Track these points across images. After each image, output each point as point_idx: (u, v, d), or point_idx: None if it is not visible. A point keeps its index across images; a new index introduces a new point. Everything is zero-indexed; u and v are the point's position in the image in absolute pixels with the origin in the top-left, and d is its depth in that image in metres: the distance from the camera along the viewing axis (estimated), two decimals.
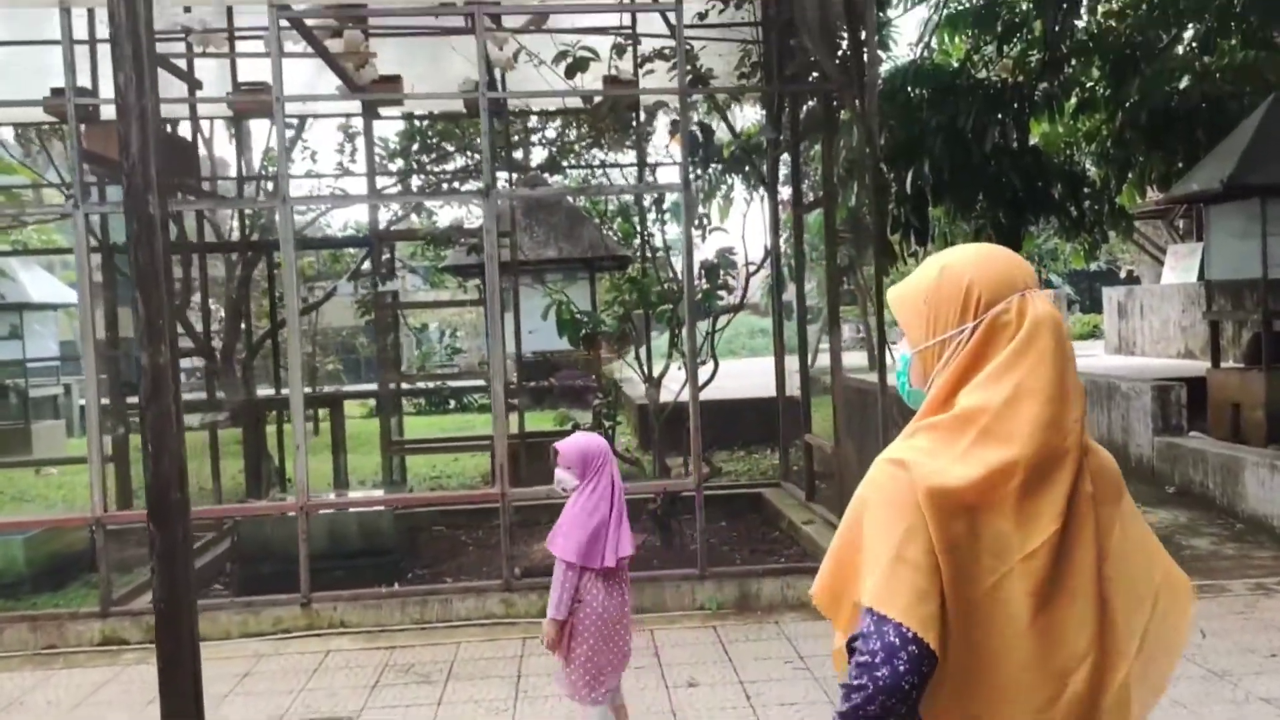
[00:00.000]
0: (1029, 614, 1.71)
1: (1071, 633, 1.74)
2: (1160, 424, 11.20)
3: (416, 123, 12.73)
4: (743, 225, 9.76)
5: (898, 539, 1.71)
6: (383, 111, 11.00)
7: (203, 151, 12.35)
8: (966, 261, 1.88)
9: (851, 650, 1.74)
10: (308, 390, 18.13)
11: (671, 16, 7.52)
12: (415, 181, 13.06)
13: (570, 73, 7.88)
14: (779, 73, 9.38)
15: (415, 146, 12.05)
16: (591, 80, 8.70)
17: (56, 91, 8.65)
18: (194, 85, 9.29)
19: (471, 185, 11.31)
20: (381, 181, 12.93)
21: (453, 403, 22.26)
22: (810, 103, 9.32)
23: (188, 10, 8.86)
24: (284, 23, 7.86)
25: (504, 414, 7.33)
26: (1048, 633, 1.73)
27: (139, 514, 9.32)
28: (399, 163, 13.07)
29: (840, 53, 8.09)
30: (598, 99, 8.23)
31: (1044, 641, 1.73)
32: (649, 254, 9.92)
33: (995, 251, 1.91)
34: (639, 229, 9.10)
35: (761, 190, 10.14)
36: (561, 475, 4.56)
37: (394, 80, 10.00)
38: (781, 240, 9.92)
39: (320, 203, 8.35)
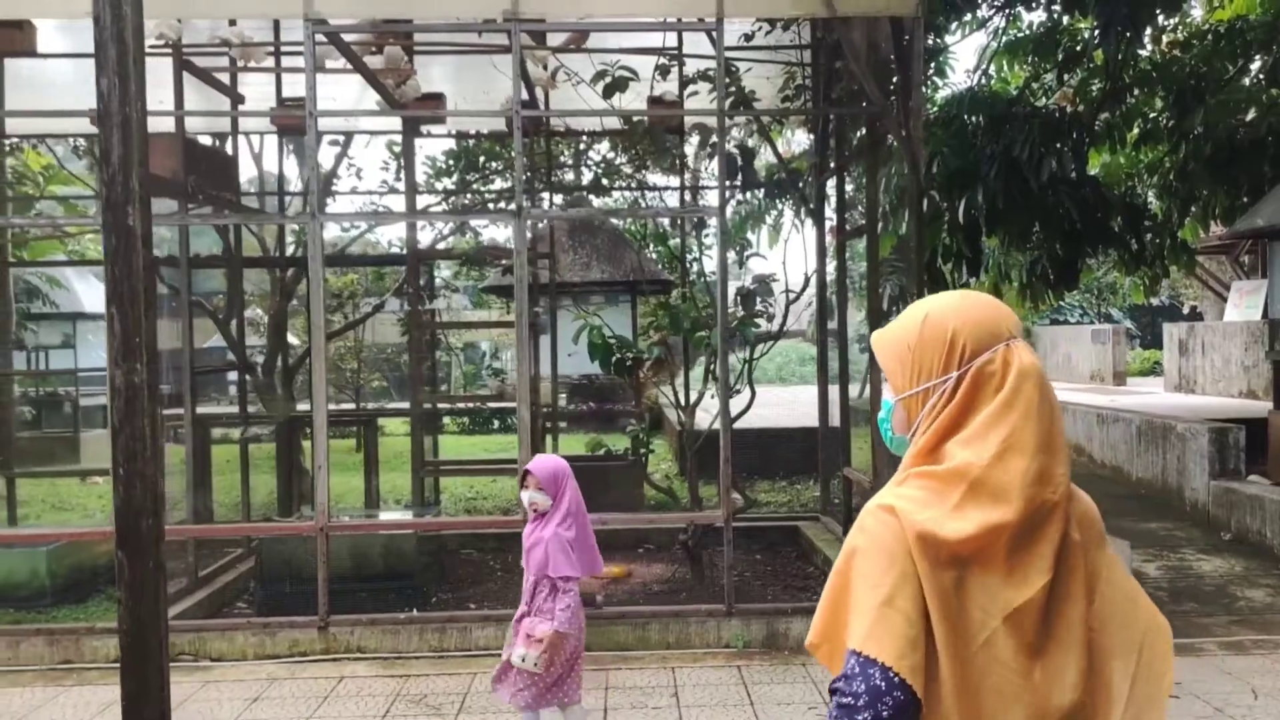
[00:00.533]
0: (1020, 665, 1.71)
1: (1063, 683, 1.73)
2: (1217, 467, 10.75)
3: (459, 142, 12.70)
4: (784, 251, 9.56)
5: (888, 586, 1.69)
6: (426, 130, 10.94)
7: (251, 167, 12.46)
8: (950, 309, 1.86)
9: (834, 692, 1.71)
10: (340, 407, 18.23)
11: (713, 35, 7.32)
12: (462, 201, 13.02)
13: (608, 92, 7.73)
14: (824, 96, 9.17)
15: (456, 165, 11.97)
16: (632, 101, 8.55)
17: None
18: (235, 99, 9.27)
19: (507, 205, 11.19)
20: (425, 201, 12.93)
21: (496, 423, 22.22)
22: (859, 133, 9.08)
23: (232, 24, 8.87)
24: (322, 38, 7.81)
25: (529, 439, 7.15)
26: (1040, 684, 1.72)
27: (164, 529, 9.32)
28: (441, 181, 13.03)
29: (889, 77, 7.87)
30: (635, 119, 8.05)
31: (1036, 693, 1.72)
32: (689, 278, 9.73)
33: (980, 299, 1.89)
34: (676, 253, 8.88)
35: (805, 216, 9.90)
36: (534, 496, 4.75)
37: (436, 98, 9.96)
38: (827, 267, 9.68)
39: (351, 219, 8.27)
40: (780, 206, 15.02)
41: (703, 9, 7.10)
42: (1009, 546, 1.71)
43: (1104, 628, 1.79)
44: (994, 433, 1.75)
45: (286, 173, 10.81)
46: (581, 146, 12.34)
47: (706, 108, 7.90)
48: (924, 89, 7.85)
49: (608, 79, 7.72)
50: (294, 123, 9.83)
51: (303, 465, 13.15)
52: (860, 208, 10.53)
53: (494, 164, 13.42)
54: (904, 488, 1.81)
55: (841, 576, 1.78)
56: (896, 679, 1.64)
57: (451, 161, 13.79)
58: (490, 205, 11.65)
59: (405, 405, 12.93)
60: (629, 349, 8.36)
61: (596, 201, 11.32)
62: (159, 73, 8.51)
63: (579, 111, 8.43)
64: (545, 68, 8.73)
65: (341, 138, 13.35)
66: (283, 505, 10.88)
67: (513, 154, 10.82)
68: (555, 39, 8.67)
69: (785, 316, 8.78)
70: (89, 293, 20.67)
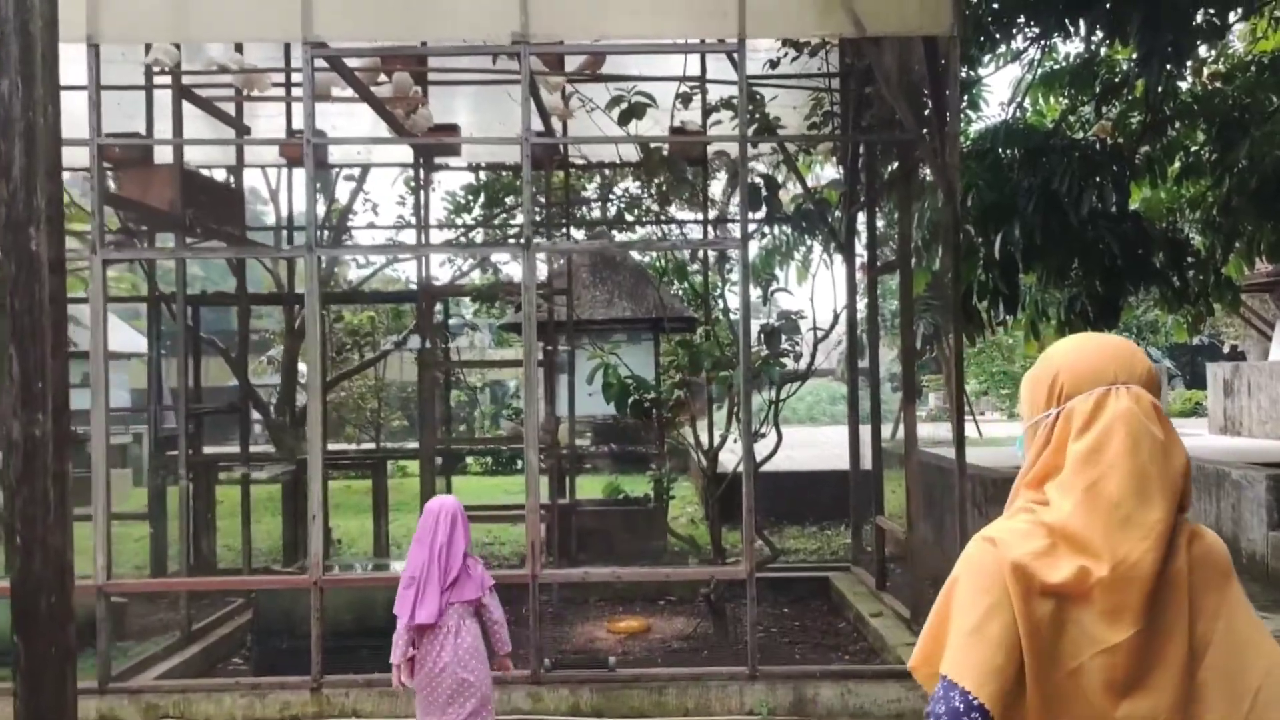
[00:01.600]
0: (1106, 701, 1.74)
1: None
2: (1276, 517, 10.10)
3: (477, 176, 12.34)
4: (812, 287, 9.10)
5: (980, 614, 1.77)
6: (442, 162, 10.59)
7: (262, 200, 12.15)
8: (1063, 350, 1.96)
9: (926, 715, 1.79)
10: (354, 448, 17.81)
11: (735, 57, 6.89)
12: (476, 236, 12.64)
13: (624, 119, 7.31)
14: (854, 124, 8.72)
15: (474, 200, 11.59)
16: (650, 130, 8.14)
17: (126, 135, 8.42)
18: (241, 130, 8.94)
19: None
20: (446, 236, 12.56)
21: (519, 463, 21.76)
22: (891, 166, 8.60)
23: (239, 50, 8.55)
24: (326, 64, 7.45)
25: (537, 485, 6.67)
26: None
27: (144, 583, 8.87)
28: (461, 217, 12.67)
29: (922, 103, 7.41)
30: (653, 147, 7.61)
31: None
32: (712, 315, 9.25)
33: (1097, 343, 1.94)
34: (698, 289, 8.41)
35: (834, 250, 9.41)
36: None
37: (450, 129, 9.60)
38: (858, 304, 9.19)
39: (349, 252, 7.87)
40: (809, 241, 14.57)
41: (724, 30, 6.68)
42: (1100, 592, 1.74)
43: (1215, 673, 1.78)
44: (1079, 479, 1.80)
45: (298, 206, 10.46)
46: (601, 179, 11.97)
47: (728, 134, 7.47)
48: (959, 116, 7.37)
49: (623, 105, 7.30)
50: (301, 154, 9.52)
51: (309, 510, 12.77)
52: (892, 243, 10.07)
53: (513, 198, 13.06)
54: (1011, 521, 1.88)
55: (943, 602, 1.85)
56: (976, 703, 1.71)
57: (470, 197, 13.44)
58: (499, 237, 11.24)
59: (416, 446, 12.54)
60: (647, 390, 7.88)
61: (617, 236, 10.89)
62: (161, 103, 8.21)
63: (593, 139, 8.01)
64: (563, 96, 8.33)
65: (356, 171, 13.08)
66: (289, 552, 10.44)
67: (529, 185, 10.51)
68: (570, 64, 8.28)
69: (813, 355, 8.29)
70: (111, 332, 20.56)
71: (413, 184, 11.89)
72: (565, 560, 10.51)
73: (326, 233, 6.74)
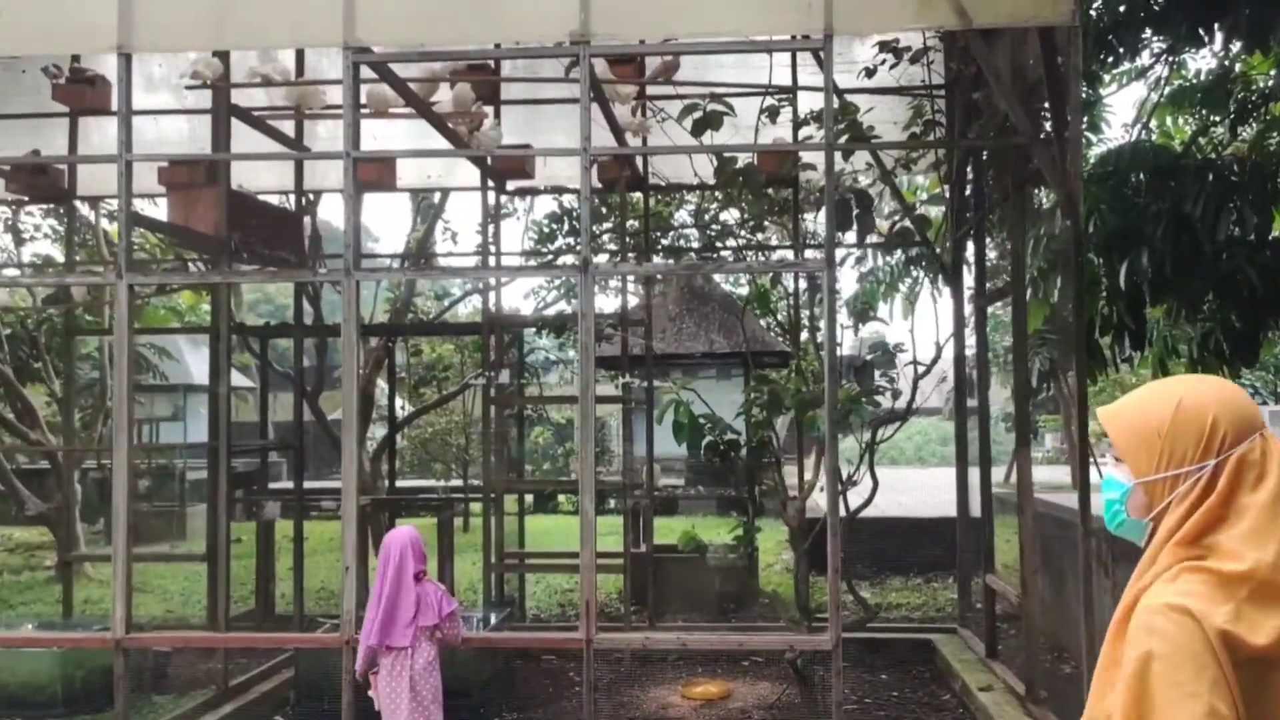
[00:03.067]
0: None
1: None
2: None
3: (561, 201, 11.74)
4: (912, 318, 8.20)
5: (1205, 693, 1.64)
6: (516, 186, 10.01)
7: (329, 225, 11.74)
8: (1208, 396, 1.83)
9: None
10: (434, 484, 17.29)
11: (820, 55, 6.10)
12: (567, 259, 12.01)
13: (698, 129, 6.56)
14: (960, 133, 7.83)
15: (550, 225, 10.96)
16: (731, 141, 7.36)
17: (176, 163, 8.04)
18: (299, 149, 8.45)
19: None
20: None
21: (612, 502, 21.03)
22: (1003, 181, 7.66)
23: (300, 68, 8.09)
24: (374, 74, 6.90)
25: (592, 537, 5.90)
26: None
27: (164, 636, 8.32)
28: (545, 246, 12.06)
29: (1038, 107, 6.51)
30: (726, 156, 6.81)
31: None
32: (799, 348, 8.41)
33: (1232, 387, 1.87)
34: (782, 319, 7.58)
35: (937, 276, 8.48)
36: None
37: (522, 149, 9.01)
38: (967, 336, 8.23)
39: (390, 275, 7.27)
40: (914, 271, 13.63)
41: (807, 25, 5.90)
42: None
43: None
44: (1271, 530, 1.72)
45: (371, 232, 9.99)
46: (680, 202, 11.23)
47: (810, 142, 6.67)
48: (1082, 116, 6.44)
49: (697, 114, 6.55)
50: (369, 177, 9.01)
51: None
52: (1005, 271, 9.09)
53: (602, 224, 12.41)
54: (1183, 583, 1.74)
55: (1139, 684, 1.68)
56: None
57: (554, 225, 12.85)
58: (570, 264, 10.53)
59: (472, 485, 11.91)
60: (722, 429, 7.06)
61: (685, 258, 10.11)
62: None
63: (660, 149, 7.25)
64: (634, 112, 7.63)
65: (436, 196, 12.61)
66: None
67: (609, 207, 9.73)
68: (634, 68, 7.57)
69: (914, 392, 7.37)
70: (199, 364, 20.43)
71: (490, 209, 11.31)
72: (645, 613, 9.74)
73: (348, 251, 6.09)
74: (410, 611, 5.43)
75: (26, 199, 9.86)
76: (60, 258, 14.00)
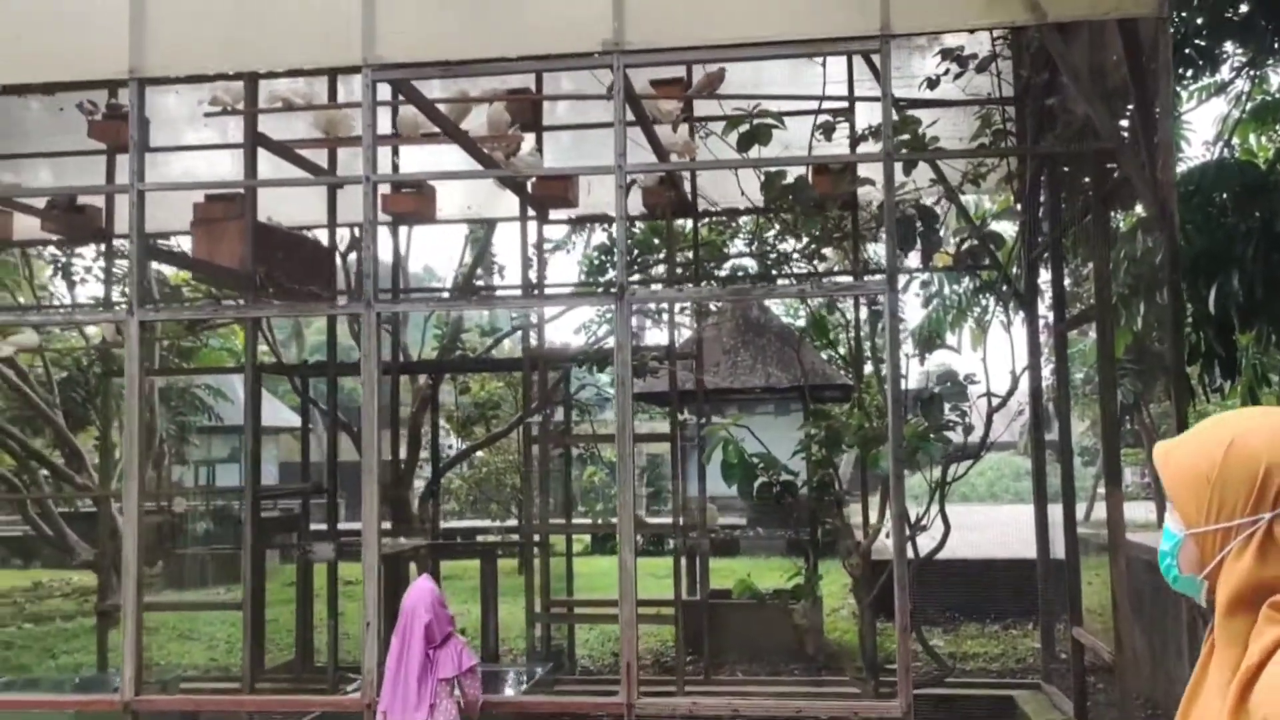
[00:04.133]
0: None
1: None
2: None
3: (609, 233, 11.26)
4: (984, 346, 7.55)
5: None
6: (560, 214, 9.58)
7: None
8: (1263, 437, 1.57)
9: None
10: (490, 524, 16.82)
11: (873, 60, 5.57)
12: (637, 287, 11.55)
13: (745, 145, 6.05)
14: (1032, 144, 7.22)
15: (600, 258, 10.50)
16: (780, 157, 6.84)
17: (211, 199, 7.75)
18: (330, 180, 8.11)
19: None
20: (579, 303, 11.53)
21: (670, 543, 20.43)
22: (1081, 215, 7.03)
23: (334, 95, 7.76)
24: (404, 98, 6.50)
25: (633, 591, 5.36)
26: None
27: (177, 699, 7.90)
28: (589, 275, 11.62)
29: (1120, 109, 5.90)
30: (773, 171, 6.25)
31: None
32: (864, 381, 7.82)
33: None
34: (840, 348, 7.00)
35: (1010, 301, 7.84)
36: None
37: (566, 180, 8.58)
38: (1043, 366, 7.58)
39: (413, 307, 6.83)
40: (983, 299, 12.95)
41: (863, 24, 5.38)
42: None
43: None
44: None
45: (414, 264, 9.64)
46: (736, 230, 10.71)
47: (870, 153, 6.11)
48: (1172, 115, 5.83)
49: (744, 127, 6.04)
50: (407, 208, 8.65)
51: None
52: (1084, 295, 8.43)
53: (652, 256, 11.95)
54: None
55: None
56: None
57: (604, 257, 12.42)
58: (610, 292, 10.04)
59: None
60: (776, 469, 6.49)
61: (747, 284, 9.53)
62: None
63: (704, 164, 6.72)
64: (675, 128, 7.14)
65: (481, 228, 12.25)
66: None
67: (658, 235, 9.21)
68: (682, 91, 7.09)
69: (988, 427, 6.74)
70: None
71: (534, 241, 10.88)
72: (700, 663, 9.17)
73: (367, 282, 5.65)
74: (423, 676, 5.23)
75: (64, 239, 9.63)
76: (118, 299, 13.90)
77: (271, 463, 21.05)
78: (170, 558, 17.38)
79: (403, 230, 12.69)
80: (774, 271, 10.53)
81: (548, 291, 8.62)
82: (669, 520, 9.34)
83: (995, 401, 6.82)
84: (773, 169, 5.97)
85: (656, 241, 11.23)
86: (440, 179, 7.89)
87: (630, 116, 6.67)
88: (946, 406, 6.07)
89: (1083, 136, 6.24)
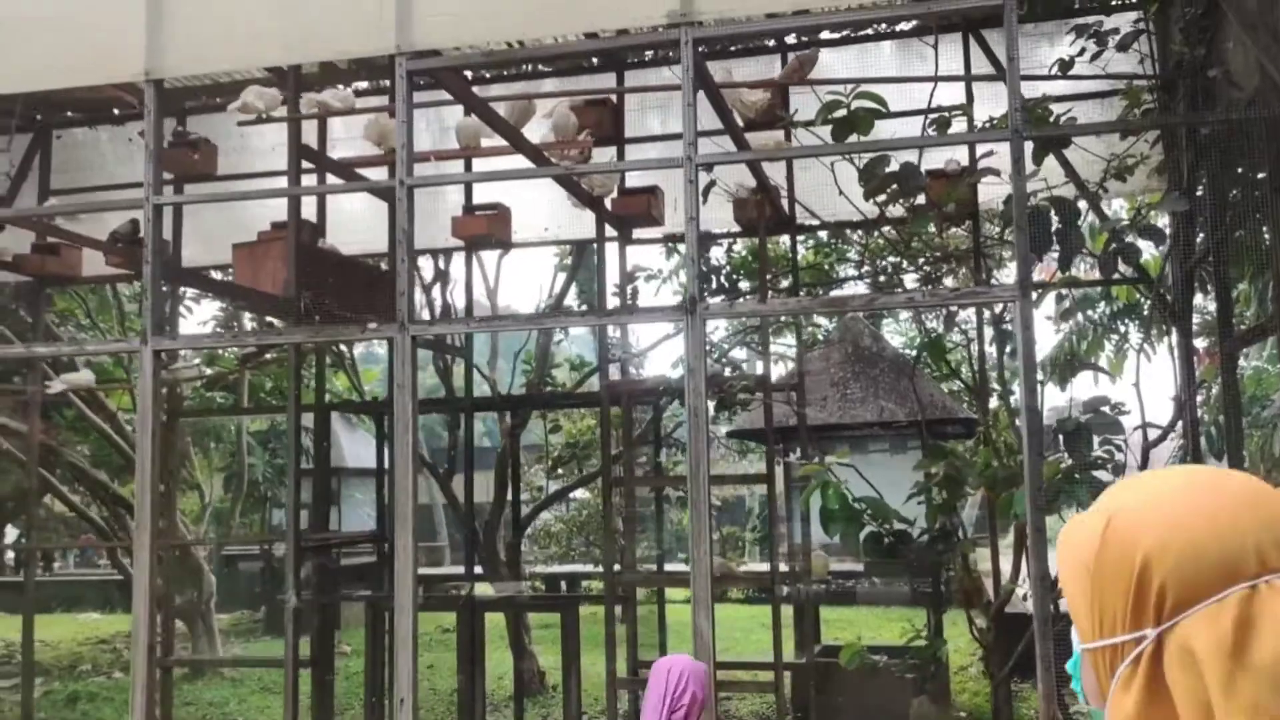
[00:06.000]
0: None
1: None
2: None
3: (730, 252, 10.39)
4: (1137, 367, 6.38)
5: None
6: (644, 233, 8.75)
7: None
8: (1150, 513, 1.05)
9: None
10: (570, 569, 15.96)
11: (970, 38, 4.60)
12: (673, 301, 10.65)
13: (840, 134, 5.13)
14: (1189, 132, 6.11)
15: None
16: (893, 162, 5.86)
17: (277, 225, 7.20)
18: (361, 186, 7.44)
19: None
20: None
21: (784, 588, 19.25)
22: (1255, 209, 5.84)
23: (388, 114, 7.10)
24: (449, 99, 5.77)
25: (712, 651, 4.41)
26: None
27: None
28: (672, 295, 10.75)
29: None
30: (872, 158, 5.24)
31: None
32: (990, 415, 6.74)
33: (1213, 494, 1.04)
34: (959, 372, 5.97)
35: (1162, 313, 6.67)
36: None
37: (649, 193, 7.78)
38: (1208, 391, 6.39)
39: (448, 329, 6.04)
40: (1124, 324, 11.69)
41: None
42: None
43: None
44: None
45: (477, 294, 8.93)
46: (843, 252, 9.72)
47: (995, 130, 5.11)
48: None
49: (840, 112, 5.11)
50: (477, 230, 7.94)
51: (526, 647, 10.98)
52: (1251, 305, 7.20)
53: (755, 281, 11.03)
54: None
55: None
56: None
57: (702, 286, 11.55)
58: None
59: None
60: (887, 517, 5.48)
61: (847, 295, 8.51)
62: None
63: (784, 152, 5.71)
64: (757, 113, 6.19)
65: (569, 254, 11.52)
66: (464, 714, 8.58)
67: (753, 255, 8.41)
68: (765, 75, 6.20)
69: (1143, 466, 5.62)
70: (353, 445, 19.93)
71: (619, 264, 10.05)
72: None
73: (402, 300, 4.87)
74: None
75: (131, 273, 9.21)
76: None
77: (369, 505, 20.61)
78: (272, 604, 17.04)
79: (490, 257, 12.12)
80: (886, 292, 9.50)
81: (617, 312, 7.74)
82: (767, 567, 8.34)
83: (1153, 434, 5.68)
84: (874, 153, 5.00)
85: (749, 258, 10.31)
86: (480, 180, 7.13)
87: (712, 116, 5.83)
88: (1096, 440, 4.99)
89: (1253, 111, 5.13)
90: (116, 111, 9.10)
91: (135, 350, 5.25)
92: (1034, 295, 4.48)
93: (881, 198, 5.32)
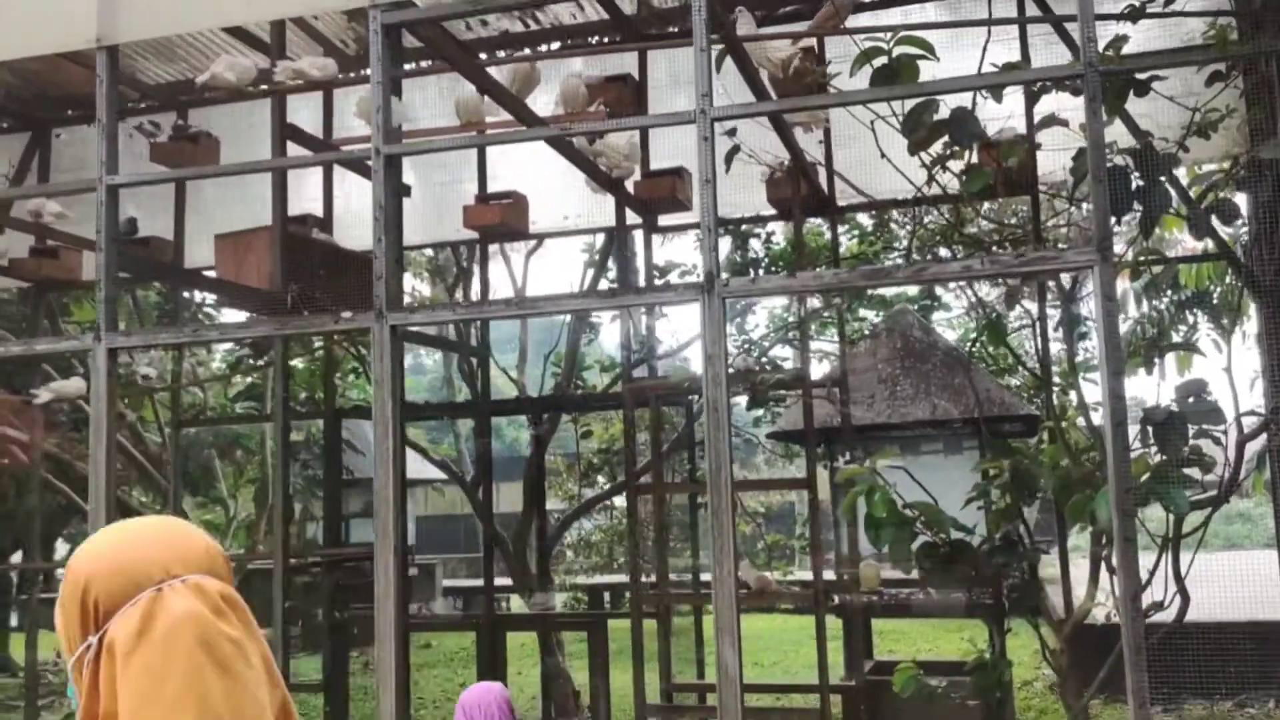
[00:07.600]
0: None
1: None
2: None
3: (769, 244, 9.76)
4: (1229, 351, 5.65)
5: None
6: (671, 219, 8.12)
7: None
8: (93, 552, 1.46)
9: None
10: (607, 579, 15.34)
11: None
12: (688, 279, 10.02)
13: (881, 80, 4.43)
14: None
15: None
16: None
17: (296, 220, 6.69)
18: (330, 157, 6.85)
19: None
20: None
21: (835, 598, 18.46)
22: None
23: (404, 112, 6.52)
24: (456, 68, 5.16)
25: (735, 702, 3.75)
26: None
27: None
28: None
29: None
30: (923, 106, 4.50)
31: None
32: (1056, 408, 5.99)
33: (135, 531, 1.48)
34: (1024, 360, 5.25)
35: (1245, 285, 5.89)
36: None
37: (676, 174, 7.17)
38: None
39: (424, 321, 5.44)
40: (1190, 315, 10.83)
41: None
42: None
43: None
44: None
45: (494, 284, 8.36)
46: (890, 237, 9.03)
47: (1066, 67, 4.40)
48: None
49: (880, 60, 4.41)
50: (491, 219, 7.34)
51: (559, 666, 10.37)
52: None
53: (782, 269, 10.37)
54: None
55: None
56: None
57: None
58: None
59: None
60: (942, 525, 4.77)
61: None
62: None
63: (814, 101, 4.93)
64: (780, 63, 5.48)
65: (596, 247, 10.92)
66: None
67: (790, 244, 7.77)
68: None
69: (1239, 463, 4.86)
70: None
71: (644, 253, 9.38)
72: None
73: (379, 284, 4.26)
74: None
75: (131, 275, 8.73)
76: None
77: (409, 518, 20.21)
78: (308, 619, 16.64)
79: (517, 258, 11.56)
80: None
81: (621, 294, 7.10)
82: (810, 577, 7.66)
83: (1249, 425, 4.92)
84: (920, 97, 4.28)
85: (785, 245, 9.62)
86: (465, 147, 6.49)
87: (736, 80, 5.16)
88: (1190, 431, 4.24)
89: None
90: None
91: (88, 349, 4.68)
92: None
93: (929, 158, 4.63)
